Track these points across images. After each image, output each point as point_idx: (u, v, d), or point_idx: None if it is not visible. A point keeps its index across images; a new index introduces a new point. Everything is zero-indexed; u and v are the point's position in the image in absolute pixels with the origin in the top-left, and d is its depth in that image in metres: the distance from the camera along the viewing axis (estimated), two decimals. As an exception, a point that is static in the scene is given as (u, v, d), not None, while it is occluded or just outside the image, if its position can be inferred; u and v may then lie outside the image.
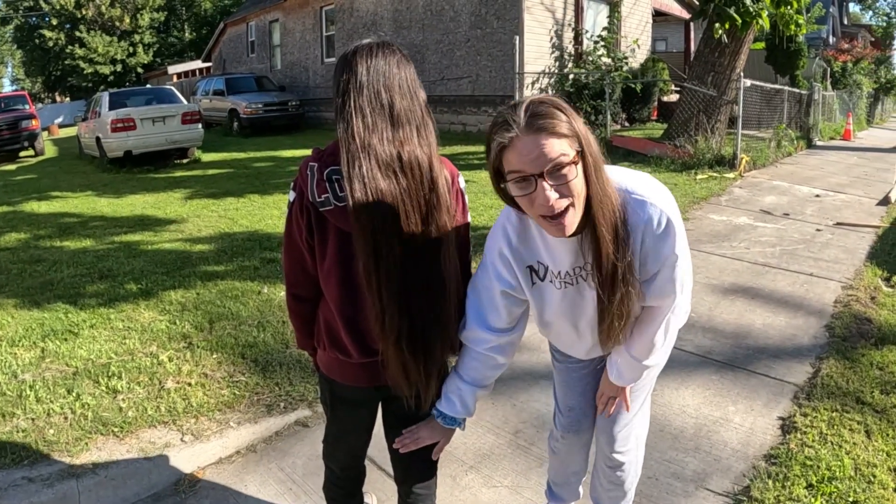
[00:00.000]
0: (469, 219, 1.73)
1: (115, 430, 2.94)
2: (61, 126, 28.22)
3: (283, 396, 3.28)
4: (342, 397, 1.79)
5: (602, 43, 13.95)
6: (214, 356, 3.67)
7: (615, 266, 1.47)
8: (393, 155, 1.52)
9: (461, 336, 1.70)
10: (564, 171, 1.34)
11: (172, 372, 3.47)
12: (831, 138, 16.89)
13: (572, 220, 1.39)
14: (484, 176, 9.53)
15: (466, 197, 1.72)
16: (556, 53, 14.05)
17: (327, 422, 1.92)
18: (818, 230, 6.79)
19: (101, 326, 4.06)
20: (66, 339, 3.86)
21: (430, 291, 1.58)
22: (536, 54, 13.43)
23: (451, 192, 1.62)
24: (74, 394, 3.22)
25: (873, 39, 32.64)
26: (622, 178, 1.52)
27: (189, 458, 2.78)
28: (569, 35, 14.35)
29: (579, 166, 1.37)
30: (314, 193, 1.55)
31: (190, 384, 3.36)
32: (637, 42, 16.14)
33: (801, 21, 9.45)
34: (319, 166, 1.57)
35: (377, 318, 1.54)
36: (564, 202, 1.36)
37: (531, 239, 1.60)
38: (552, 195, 1.34)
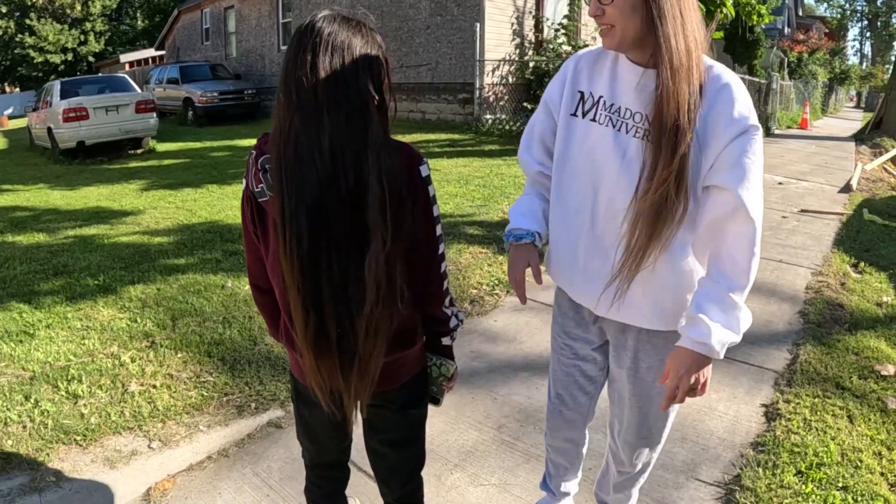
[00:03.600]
0: (435, 213, 1.51)
1: (78, 438, 2.76)
2: (11, 117, 27.43)
3: (254, 396, 3.14)
4: (300, 394, 1.70)
5: (563, 31, 13.92)
6: (179, 355, 3.50)
7: (676, 122, 1.38)
8: (314, 141, 1.34)
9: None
10: None
11: (136, 374, 3.30)
12: (789, 127, 17.25)
13: (609, 40, 1.47)
14: (446, 164, 9.56)
15: (431, 188, 1.49)
16: (517, 41, 13.97)
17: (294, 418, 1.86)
18: (784, 217, 6.87)
19: (58, 326, 3.84)
20: (21, 341, 3.64)
21: (348, 292, 1.39)
22: (497, 42, 13.34)
23: (401, 183, 1.40)
24: (32, 400, 3.02)
25: (828, 31, 33.44)
26: (724, 70, 1.48)
27: (158, 465, 2.63)
28: (529, 23, 14.30)
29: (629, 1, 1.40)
30: (252, 183, 1.44)
31: (155, 386, 3.19)
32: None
33: (763, 11, 9.53)
34: (256, 154, 1.44)
35: (291, 310, 1.42)
36: (602, 20, 1.45)
37: (601, 67, 1.60)
38: (592, 6, 1.46)
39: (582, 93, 1.61)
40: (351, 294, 1.38)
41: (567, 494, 2.22)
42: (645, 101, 1.46)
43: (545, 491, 2.23)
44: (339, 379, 1.44)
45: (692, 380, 1.48)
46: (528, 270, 1.69)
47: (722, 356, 1.48)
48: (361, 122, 1.36)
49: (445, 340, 1.66)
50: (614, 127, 1.53)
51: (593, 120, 1.57)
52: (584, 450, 2.12)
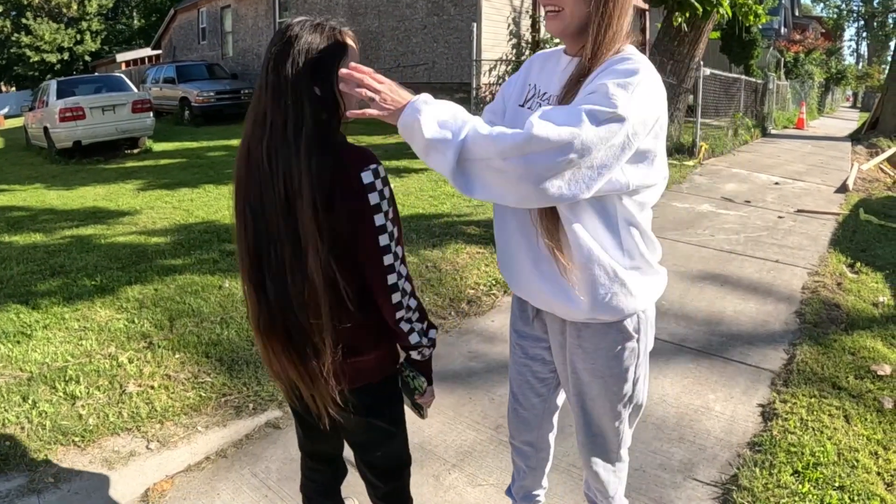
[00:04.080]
0: (378, 222, 1.44)
1: (76, 439, 2.76)
2: (7, 116, 27.32)
3: (252, 397, 3.14)
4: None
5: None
6: (177, 356, 3.50)
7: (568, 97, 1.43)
8: (258, 141, 1.45)
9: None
10: None
11: (133, 374, 3.29)
12: (785, 127, 17.29)
13: (556, 24, 1.48)
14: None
15: (376, 195, 1.43)
16: (514, 41, 13.99)
17: None
18: (780, 217, 6.89)
19: (55, 327, 3.84)
20: (18, 342, 3.63)
21: (288, 288, 1.45)
22: (493, 41, 13.35)
23: (332, 188, 1.42)
24: (30, 401, 3.02)
25: (824, 31, 33.46)
26: (634, 52, 1.46)
27: (156, 466, 2.63)
28: (526, 22, 14.32)
29: None
30: None
31: (153, 387, 3.19)
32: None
33: (759, 11, 9.55)
34: None
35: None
36: (552, 2, 1.46)
37: (552, 63, 1.63)
38: None
39: (531, 85, 1.66)
40: (291, 290, 1.45)
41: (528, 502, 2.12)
42: (561, 85, 1.51)
43: (509, 497, 2.16)
44: (293, 371, 1.53)
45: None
46: None
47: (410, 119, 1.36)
48: (296, 127, 1.42)
49: (414, 354, 1.62)
50: None
51: (529, 108, 1.61)
52: (547, 458, 2.03)
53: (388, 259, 1.47)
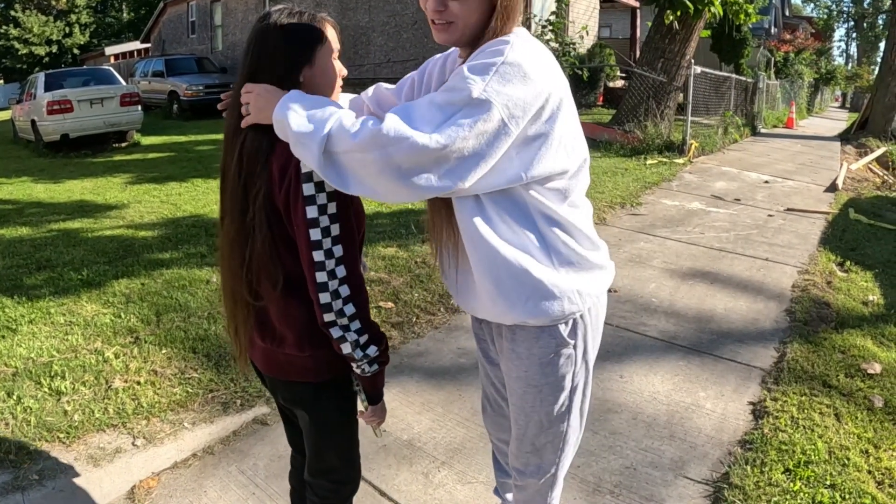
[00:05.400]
0: (311, 214, 1.40)
1: (62, 435, 2.71)
2: (-7, 109, 27.00)
3: (240, 393, 3.11)
4: None
5: (550, 28, 13.91)
6: (164, 351, 3.46)
7: None
8: (225, 133, 1.56)
9: None
10: None
11: (119, 370, 3.25)
12: (774, 126, 17.36)
13: (447, 35, 1.38)
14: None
15: (311, 186, 1.39)
16: (505, 37, 13.96)
17: None
18: (770, 216, 6.90)
19: (41, 321, 3.78)
20: (3, 337, 3.58)
21: (234, 259, 1.52)
22: (485, 38, 13.31)
23: (259, 169, 1.44)
24: (15, 397, 2.97)
25: (814, 31, 33.62)
26: (518, 34, 1.38)
27: (142, 463, 2.59)
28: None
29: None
30: None
31: (139, 383, 3.14)
32: (586, 28, 16.22)
33: (750, 10, 9.58)
34: None
35: None
36: (444, 16, 1.35)
37: (441, 65, 1.60)
38: (432, 4, 1.35)
39: (415, 79, 1.65)
40: (235, 260, 1.52)
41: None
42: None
43: (497, 496, 2.13)
44: (233, 334, 1.64)
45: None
46: None
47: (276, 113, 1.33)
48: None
49: (354, 366, 1.51)
50: None
51: None
52: None
53: (318, 256, 1.41)
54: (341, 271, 1.43)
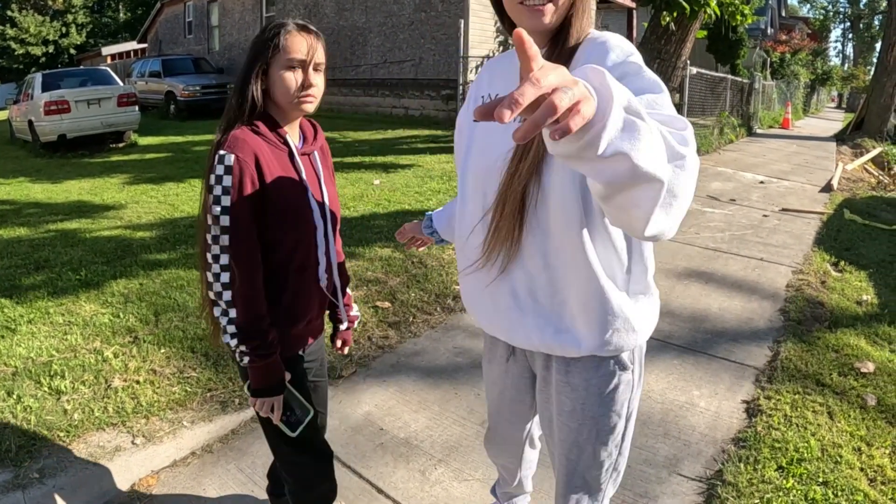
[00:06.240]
0: (209, 201, 1.55)
1: (62, 434, 2.73)
2: (-9, 110, 26.94)
3: (238, 392, 3.13)
4: None
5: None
6: (162, 351, 3.48)
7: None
8: None
9: None
10: None
11: (119, 369, 3.27)
12: (770, 126, 17.41)
13: (543, 19, 1.26)
14: (429, 160, 9.56)
15: (213, 177, 1.54)
16: (501, 38, 13.97)
17: None
18: (765, 216, 6.94)
19: (40, 321, 3.80)
20: (2, 337, 3.59)
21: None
22: (481, 38, 13.34)
23: (210, 165, 1.58)
24: (15, 396, 2.98)
25: (810, 32, 33.71)
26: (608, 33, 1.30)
27: (142, 461, 2.61)
28: (514, 20, 14.31)
29: None
30: None
31: (138, 382, 3.16)
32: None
33: (746, 11, 9.62)
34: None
35: None
36: None
37: (507, 65, 1.44)
38: None
39: (483, 97, 1.47)
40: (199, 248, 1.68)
41: None
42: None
43: (493, 496, 2.14)
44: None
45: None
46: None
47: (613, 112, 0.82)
48: (223, 118, 1.69)
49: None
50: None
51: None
52: (532, 468, 1.95)
53: (208, 238, 1.56)
54: (224, 259, 1.55)
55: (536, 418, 1.71)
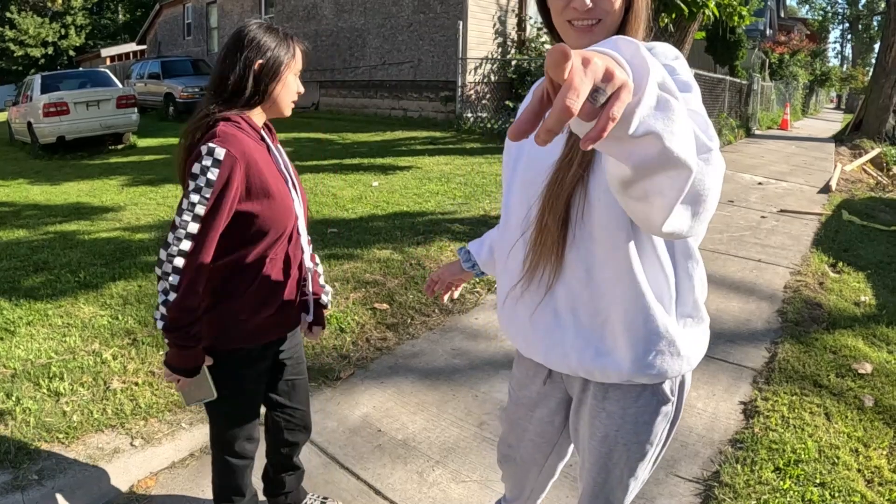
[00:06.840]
0: (189, 187, 1.60)
1: (60, 436, 2.73)
2: (-10, 111, 26.94)
3: (238, 393, 3.13)
4: None
5: (546, 30, 13.97)
6: (161, 353, 3.48)
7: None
8: None
9: None
10: None
11: (117, 371, 3.28)
12: (769, 127, 17.44)
13: (592, 37, 1.21)
14: (427, 162, 9.56)
15: (205, 168, 1.59)
16: (500, 40, 13.99)
17: None
18: (763, 217, 6.95)
19: (38, 323, 3.81)
20: (1, 339, 3.59)
21: None
22: (479, 40, 13.35)
23: (191, 160, 1.64)
24: (14, 398, 2.98)
25: (809, 32, 33.76)
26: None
27: (140, 463, 2.61)
28: (512, 21, 14.31)
29: None
30: None
31: (137, 383, 3.17)
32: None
33: (744, 12, 9.61)
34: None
35: None
36: (592, 14, 1.20)
37: None
38: (578, 2, 1.19)
39: None
40: None
41: None
42: None
43: None
44: None
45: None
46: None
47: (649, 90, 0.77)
48: (211, 96, 1.72)
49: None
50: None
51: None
52: (540, 490, 1.77)
53: (177, 219, 1.60)
54: (186, 245, 1.59)
55: (561, 450, 1.63)
